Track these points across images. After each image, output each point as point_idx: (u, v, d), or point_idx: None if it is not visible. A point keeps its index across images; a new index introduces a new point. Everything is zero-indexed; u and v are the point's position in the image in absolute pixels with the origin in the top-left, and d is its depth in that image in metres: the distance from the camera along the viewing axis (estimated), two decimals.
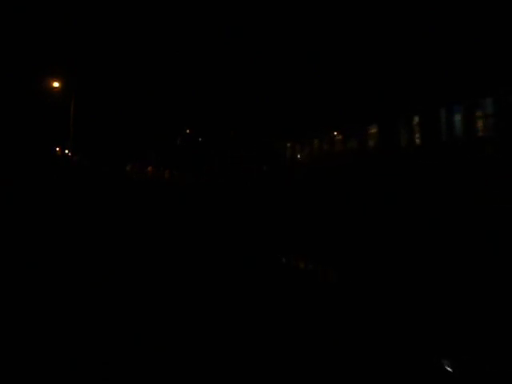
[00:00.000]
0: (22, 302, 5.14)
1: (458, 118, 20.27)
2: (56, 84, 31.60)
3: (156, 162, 52.25)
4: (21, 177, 24.91)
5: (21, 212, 13.95)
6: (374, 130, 26.81)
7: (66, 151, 39.45)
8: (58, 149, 44.55)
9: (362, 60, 25.42)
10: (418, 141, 22.87)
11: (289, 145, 37.03)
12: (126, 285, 5.97)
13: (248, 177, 35.84)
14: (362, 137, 27.61)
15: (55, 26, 35.90)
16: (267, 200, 21.41)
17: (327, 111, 29.41)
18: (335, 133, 31.17)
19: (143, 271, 6.81)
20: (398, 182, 19.35)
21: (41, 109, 33.70)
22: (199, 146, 48.43)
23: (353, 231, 11.27)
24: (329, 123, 30.06)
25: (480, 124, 19.14)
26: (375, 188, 19.97)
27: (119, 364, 3.66)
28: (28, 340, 4.08)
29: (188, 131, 50.61)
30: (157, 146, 51.75)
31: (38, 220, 12.13)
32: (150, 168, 53.41)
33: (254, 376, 3.55)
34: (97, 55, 41.51)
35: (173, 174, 47.35)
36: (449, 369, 3.73)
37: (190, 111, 46.00)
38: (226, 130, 43.04)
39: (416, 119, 23.00)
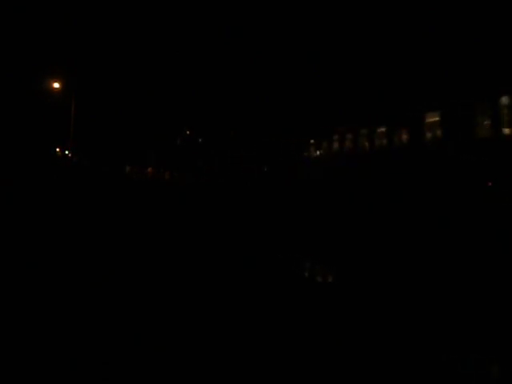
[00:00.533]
0: (22, 302, 5.13)
1: None
2: (56, 85, 31.61)
3: (156, 162, 52.18)
4: (21, 177, 24.88)
5: (21, 212, 13.92)
6: (431, 119, 21.35)
7: (67, 152, 39.42)
8: (58, 149, 44.52)
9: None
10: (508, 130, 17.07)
11: (302, 142, 34.01)
12: (126, 285, 5.96)
13: (248, 177, 35.77)
14: (415, 128, 22.17)
15: (55, 26, 35.84)
16: (268, 201, 21.36)
17: (351, 103, 26.47)
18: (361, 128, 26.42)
19: (144, 271, 6.79)
20: (477, 182, 15.44)
21: (41, 109, 33.66)
22: (199, 146, 48.39)
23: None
24: (355, 117, 26.41)
25: None
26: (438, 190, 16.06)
27: (119, 364, 3.64)
28: (28, 340, 4.06)
29: (188, 132, 50.58)
30: (157, 147, 51.71)
31: (38, 220, 12.10)
32: (149, 169, 53.33)
33: (253, 375, 3.54)
34: (97, 56, 41.47)
35: (173, 175, 47.29)
36: (451, 367, 3.71)
37: (189, 111, 45.96)
38: (226, 130, 42.99)
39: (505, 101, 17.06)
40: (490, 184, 15.10)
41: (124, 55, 44.19)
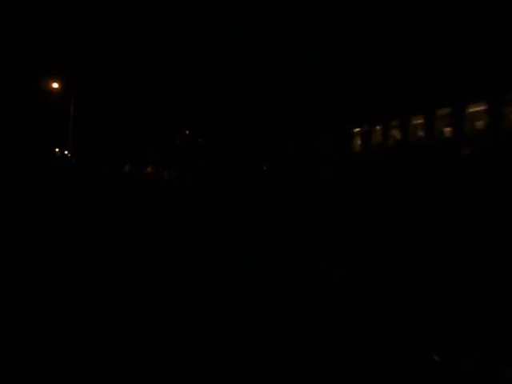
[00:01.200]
0: (21, 302, 5.13)
1: None
2: (55, 85, 31.59)
3: (156, 162, 52.22)
4: (20, 177, 24.88)
5: (20, 212, 13.93)
6: None
7: (66, 152, 39.43)
8: (57, 149, 44.59)
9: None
10: None
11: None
12: (125, 285, 5.96)
13: (248, 177, 35.83)
14: None
15: (55, 27, 35.86)
16: (268, 201, 21.38)
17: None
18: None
19: (143, 271, 6.80)
20: None
21: (40, 109, 33.69)
22: (199, 146, 48.44)
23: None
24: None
25: None
26: None
27: (119, 364, 3.65)
28: (28, 340, 4.07)
29: (187, 131, 50.62)
30: (156, 146, 51.73)
31: (37, 221, 12.11)
32: (149, 168, 53.35)
33: (253, 376, 3.55)
34: (96, 56, 41.48)
35: (172, 175, 47.29)
36: (453, 367, 3.71)
37: (189, 111, 45.99)
38: (226, 130, 43.04)
39: None
40: None
41: (123, 55, 44.22)
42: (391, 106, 21.68)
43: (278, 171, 34.72)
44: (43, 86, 31.65)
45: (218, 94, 41.18)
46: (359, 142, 25.13)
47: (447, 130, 18.48)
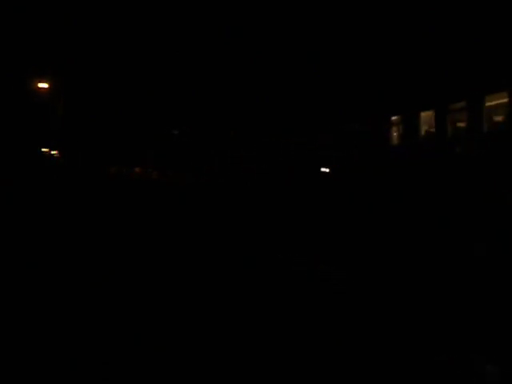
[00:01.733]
0: (18, 302, 5.12)
1: None
2: (44, 84, 31.43)
3: (152, 162, 51.81)
4: (7, 177, 24.87)
5: (7, 212, 13.93)
6: None
7: (53, 152, 39.35)
8: (45, 150, 44.39)
9: None
10: None
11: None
12: (125, 285, 5.96)
13: (248, 177, 35.79)
14: None
15: (45, 25, 35.67)
16: (269, 201, 21.36)
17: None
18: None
19: (143, 271, 6.80)
20: None
21: (29, 109, 33.48)
22: (197, 146, 48.30)
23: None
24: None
25: None
26: None
27: (119, 364, 3.64)
28: (28, 340, 4.06)
29: (186, 131, 50.45)
30: (153, 146, 51.47)
31: (26, 222, 12.09)
32: (137, 169, 52.59)
33: (253, 376, 3.54)
34: (90, 55, 41.32)
35: (165, 175, 46.89)
36: (453, 368, 3.71)
37: (188, 111, 45.90)
38: (226, 130, 42.97)
39: None
40: None
41: (119, 55, 44.08)
42: (390, 104, 21.70)
43: (278, 171, 34.65)
44: (32, 85, 31.45)
45: (218, 94, 41.11)
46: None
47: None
